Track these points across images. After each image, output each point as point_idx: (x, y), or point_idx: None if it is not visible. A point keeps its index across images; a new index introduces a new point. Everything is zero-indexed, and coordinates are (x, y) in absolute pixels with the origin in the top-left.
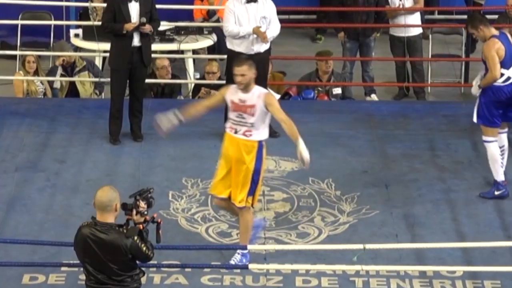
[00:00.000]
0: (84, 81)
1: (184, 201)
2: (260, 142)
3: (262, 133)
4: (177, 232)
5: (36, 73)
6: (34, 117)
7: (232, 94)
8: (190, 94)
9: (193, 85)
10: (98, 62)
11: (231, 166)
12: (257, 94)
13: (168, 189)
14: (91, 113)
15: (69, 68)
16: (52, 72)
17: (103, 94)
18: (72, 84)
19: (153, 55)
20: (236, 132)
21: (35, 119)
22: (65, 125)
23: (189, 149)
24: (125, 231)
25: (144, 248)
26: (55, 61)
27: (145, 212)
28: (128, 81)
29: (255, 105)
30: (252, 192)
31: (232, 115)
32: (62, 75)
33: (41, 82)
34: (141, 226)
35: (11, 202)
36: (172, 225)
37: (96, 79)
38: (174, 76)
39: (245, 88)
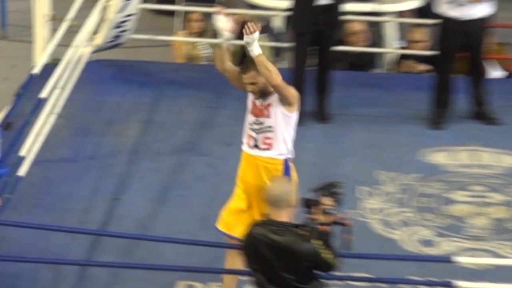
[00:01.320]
0: (261, 46)
1: (377, 200)
2: (285, 162)
3: (286, 147)
4: (367, 237)
5: (201, 34)
6: (196, 87)
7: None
8: (390, 66)
9: (396, 56)
10: (278, 23)
11: (251, 197)
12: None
13: (357, 183)
14: None
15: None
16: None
17: (283, 62)
18: (246, 49)
19: (345, 17)
20: (253, 146)
21: (197, 91)
22: (234, 99)
23: (387, 135)
24: (304, 233)
25: (327, 256)
26: None
27: (331, 211)
28: (313, 48)
29: (271, 103)
30: None
31: (250, 118)
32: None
33: (207, 46)
34: (325, 228)
35: (164, 192)
36: (362, 228)
37: (276, 44)
38: (371, 45)
39: (262, 96)
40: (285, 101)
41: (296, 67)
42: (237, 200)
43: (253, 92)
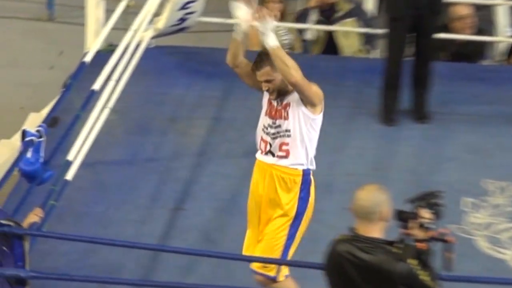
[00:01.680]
0: (349, 32)
1: (484, 213)
2: (305, 173)
3: (305, 154)
4: (472, 257)
5: (280, 17)
6: None
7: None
8: (501, 58)
9: (508, 46)
10: (370, 6)
11: (260, 212)
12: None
13: (461, 193)
14: (356, 78)
15: (328, 13)
16: (302, 17)
17: (375, 52)
18: (331, 36)
19: (449, 0)
20: (268, 153)
21: None
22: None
23: (496, 137)
24: (398, 251)
25: (424, 278)
26: (308, 2)
27: (430, 226)
28: (411, 35)
29: (289, 102)
30: (286, 253)
31: (265, 120)
32: (317, 22)
33: (287, 31)
34: (422, 245)
35: (234, 200)
36: (466, 246)
37: (367, 30)
38: (479, 32)
39: (280, 95)
40: (306, 101)
41: (390, 58)
42: (250, 217)
43: (268, 91)
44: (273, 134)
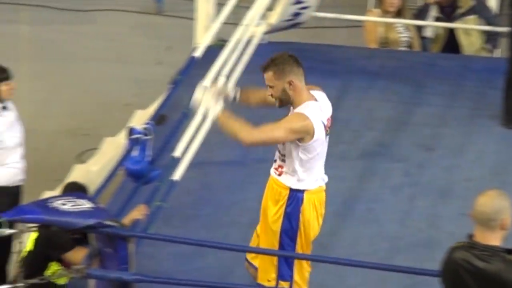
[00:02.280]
0: (470, 30)
1: None
2: (292, 191)
3: (296, 178)
4: None
5: (398, 13)
6: (390, 79)
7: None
8: None
9: None
10: (493, 3)
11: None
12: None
13: None
14: (477, 78)
15: (449, 9)
16: (422, 13)
17: (497, 51)
18: (452, 33)
19: None
20: (274, 166)
21: (391, 82)
22: (436, 94)
23: None
24: None
25: None
26: None
27: None
28: None
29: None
30: (284, 273)
31: None
32: (437, 19)
33: (406, 28)
34: None
35: (349, 204)
36: None
37: (489, 28)
38: None
39: (284, 104)
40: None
41: None
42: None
43: (272, 97)
44: (277, 155)
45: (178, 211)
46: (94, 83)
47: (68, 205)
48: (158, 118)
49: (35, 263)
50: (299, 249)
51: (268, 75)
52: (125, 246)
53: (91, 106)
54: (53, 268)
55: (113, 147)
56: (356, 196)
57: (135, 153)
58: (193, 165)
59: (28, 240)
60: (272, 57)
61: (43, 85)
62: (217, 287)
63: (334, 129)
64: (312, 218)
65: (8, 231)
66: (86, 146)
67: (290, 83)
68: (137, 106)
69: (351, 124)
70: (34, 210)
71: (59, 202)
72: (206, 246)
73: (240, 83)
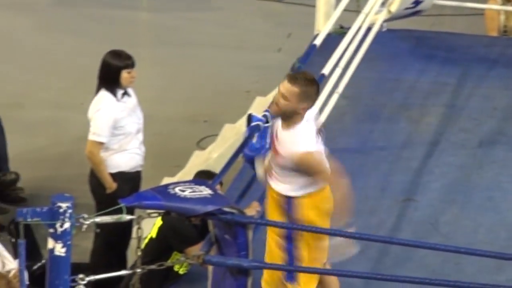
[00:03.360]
0: None
1: None
2: (288, 198)
3: (293, 189)
4: None
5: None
6: (511, 66)
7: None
8: None
9: None
10: None
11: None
12: (294, 149)
13: None
14: None
15: None
16: None
17: None
18: None
19: None
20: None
21: None
22: None
23: None
24: None
25: None
26: None
27: None
28: None
29: (285, 158)
30: (291, 276)
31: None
32: None
33: None
34: None
35: (468, 193)
36: None
37: None
38: None
39: (284, 120)
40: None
41: None
42: None
43: (274, 109)
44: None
45: None
46: (214, 69)
47: (188, 191)
48: None
49: (157, 250)
50: (308, 258)
51: (292, 89)
52: (244, 233)
53: (211, 92)
54: (175, 258)
55: (232, 134)
56: (475, 185)
57: (254, 140)
58: None
59: (151, 227)
60: (306, 74)
61: (164, 71)
62: (338, 275)
63: (452, 117)
64: (311, 219)
65: (128, 217)
66: (206, 133)
67: (304, 109)
68: (257, 93)
69: (471, 112)
70: (153, 196)
71: (179, 188)
72: (326, 233)
73: (360, 70)
